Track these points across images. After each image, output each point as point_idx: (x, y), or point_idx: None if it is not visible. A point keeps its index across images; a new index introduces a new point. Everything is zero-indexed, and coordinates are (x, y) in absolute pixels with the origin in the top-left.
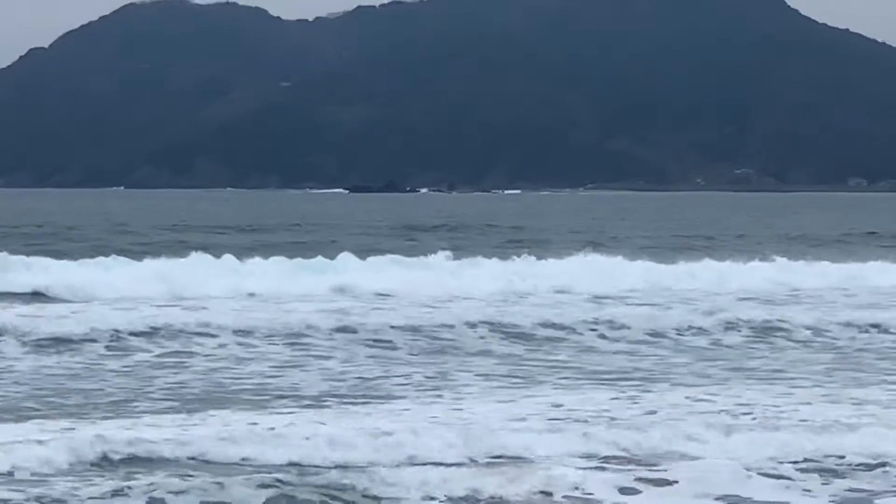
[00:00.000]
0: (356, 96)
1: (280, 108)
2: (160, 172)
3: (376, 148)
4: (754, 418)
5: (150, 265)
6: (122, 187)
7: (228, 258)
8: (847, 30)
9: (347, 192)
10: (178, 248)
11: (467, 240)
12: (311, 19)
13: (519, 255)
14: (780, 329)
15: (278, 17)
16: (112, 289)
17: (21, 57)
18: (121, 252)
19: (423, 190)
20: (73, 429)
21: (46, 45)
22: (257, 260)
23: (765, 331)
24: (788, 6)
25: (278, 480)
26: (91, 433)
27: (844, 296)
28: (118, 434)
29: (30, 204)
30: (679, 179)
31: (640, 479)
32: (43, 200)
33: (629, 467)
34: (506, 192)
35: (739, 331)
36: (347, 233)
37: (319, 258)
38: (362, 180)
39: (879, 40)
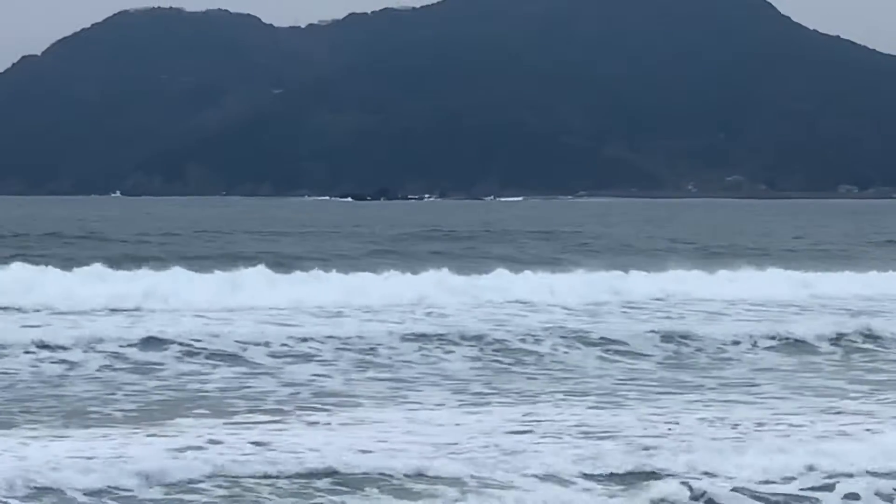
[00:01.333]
0: (348, 103)
1: (272, 115)
2: (152, 179)
3: (367, 155)
4: None
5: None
6: (119, 193)
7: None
8: (838, 37)
9: (351, 199)
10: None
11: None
12: (303, 26)
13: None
14: None
15: (270, 25)
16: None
17: (14, 64)
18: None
19: (413, 197)
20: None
21: (39, 53)
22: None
23: None
24: (780, 13)
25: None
26: None
27: None
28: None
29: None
30: (671, 186)
31: None
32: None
33: None
34: (500, 199)
35: None
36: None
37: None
38: (354, 187)
39: (870, 47)
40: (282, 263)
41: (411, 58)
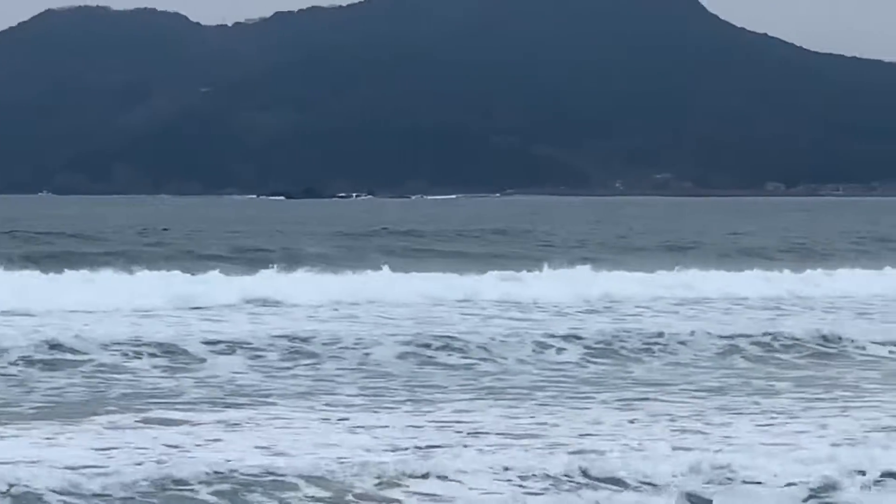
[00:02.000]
0: (275, 101)
1: (199, 114)
2: (80, 178)
3: (295, 153)
4: None
5: None
6: (46, 192)
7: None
8: (765, 34)
9: (283, 198)
10: None
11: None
12: (230, 25)
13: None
14: None
15: (197, 23)
16: None
17: None
18: None
19: (342, 195)
20: None
21: None
22: None
23: None
24: (708, 11)
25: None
26: None
27: None
28: None
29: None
30: (599, 184)
31: None
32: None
33: None
34: (428, 197)
35: None
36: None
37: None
38: (282, 186)
39: (797, 44)
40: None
41: (339, 56)
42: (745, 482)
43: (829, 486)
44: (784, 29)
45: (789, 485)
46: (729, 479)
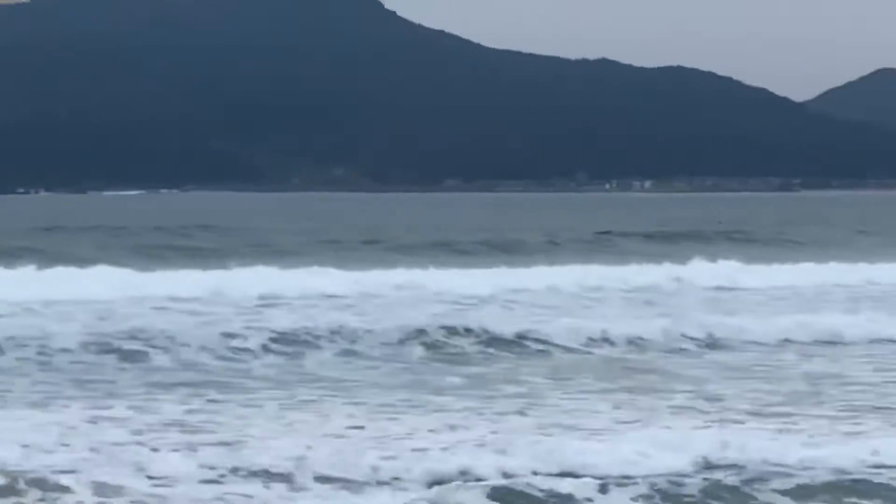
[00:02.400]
0: None
1: None
2: None
3: None
4: None
5: None
6: None
7: None
8: (442, 31)
9: None
10: None
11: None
12: None
13: None
14: None
15: None
16: None
17: None
18: None
19: (21, 191)
20: None
21: None
22: None
23: None
24: (385, 7)
25: None
26: None
27: None
28: None
29: None
30: (276, 180)
31: None
32: None
33: None
34: (105, 192)
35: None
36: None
37: None
38: None
39: (475, 41)
40: None
41: (13, 53)
42: (394, 479)
43: (508, 482)
44: (461, 26)
45: (470, 481)
46: (396, 479)
